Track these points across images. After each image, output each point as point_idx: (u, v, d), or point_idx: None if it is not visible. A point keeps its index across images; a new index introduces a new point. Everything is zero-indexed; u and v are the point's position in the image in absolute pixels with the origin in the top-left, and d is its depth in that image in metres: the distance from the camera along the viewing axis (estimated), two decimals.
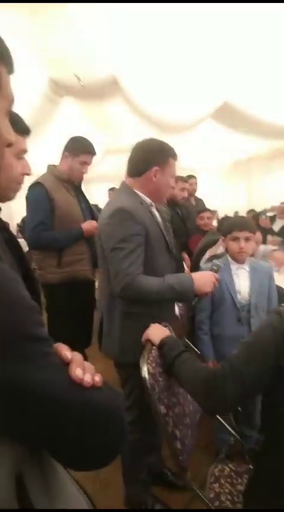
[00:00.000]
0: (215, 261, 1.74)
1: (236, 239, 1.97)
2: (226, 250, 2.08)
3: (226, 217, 3.97)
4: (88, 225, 2.34)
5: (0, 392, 0.43)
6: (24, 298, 0.48)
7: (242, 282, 2.01)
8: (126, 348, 1.59)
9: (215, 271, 1.66)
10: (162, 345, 1.27)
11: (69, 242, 2.33)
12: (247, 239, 1.97)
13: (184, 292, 1.51)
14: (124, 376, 1.68)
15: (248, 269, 2.03)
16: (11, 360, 0.44)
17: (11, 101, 0.56)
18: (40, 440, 0.50)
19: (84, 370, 0.53)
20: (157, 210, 1.73)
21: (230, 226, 2.03)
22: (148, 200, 1.63)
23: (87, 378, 0.52)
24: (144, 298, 1.50)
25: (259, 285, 2.00)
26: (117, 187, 1.83)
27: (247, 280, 2.01)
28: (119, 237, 1.48)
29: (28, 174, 1.18)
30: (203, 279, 1.56)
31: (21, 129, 1.15)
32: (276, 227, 5.61)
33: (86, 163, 2.38)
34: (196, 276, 1.56)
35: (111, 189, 6.39)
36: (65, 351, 0.54)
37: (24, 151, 1.18)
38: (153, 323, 1.39)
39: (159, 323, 1.40)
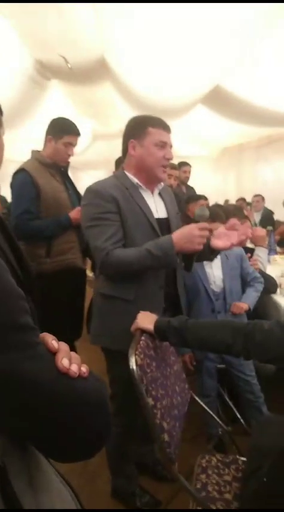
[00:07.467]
0: (197, 210, 1.54)
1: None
2: None
3: (216, 205, 3.94)
4: (76, 214, 2.25)
5: None
6: (12, 286, 0.48)
7: (215, 271, 2.08)
8: (103, 332, 1.57)
9: (204, 220, 1.49)
10: (158, 326, 1.25)
11: (57, 232, 2.25)
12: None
13: (164, 255, 1.40)
14: (107, 362, 1.65)
15: (219, 257, 2.08)
16: None
17: None
18: (25, 431, 0.50)
19: (71, 360, 0.52)
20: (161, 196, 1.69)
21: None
22: (134, 181, 1.57)
23: (74, 368, 0.52)
24: (124, 270, 1.46)
25: (230, 269, 2.08)
26: (105, 173, 1.78)
27: (220, 269, 2.09)
28: (91, 215, 1.48)
29: None
30: (184, 236, 1.41)
31: None
32: (257, 218, 5.94)
33: (71, 145, 2.30)
34: (176, 233, 1.45)
35: None
36: (52, 340, 0.54)
37: None
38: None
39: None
